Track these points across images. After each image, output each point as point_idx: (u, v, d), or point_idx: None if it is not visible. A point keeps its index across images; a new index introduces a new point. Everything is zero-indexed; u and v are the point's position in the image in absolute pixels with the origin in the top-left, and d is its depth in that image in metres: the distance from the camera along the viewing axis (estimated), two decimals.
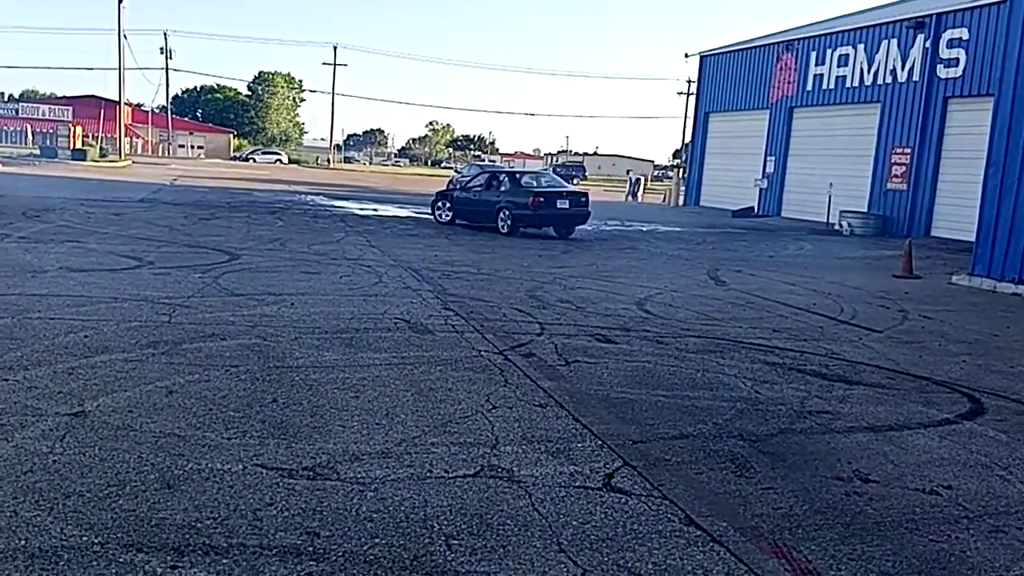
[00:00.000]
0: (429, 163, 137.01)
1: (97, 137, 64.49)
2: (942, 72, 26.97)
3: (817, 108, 33.11)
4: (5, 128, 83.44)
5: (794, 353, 8.34)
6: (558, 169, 70.04)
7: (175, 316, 8.05)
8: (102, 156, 54.79)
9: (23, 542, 3.48)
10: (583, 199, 20.75)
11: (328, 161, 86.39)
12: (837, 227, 27.90)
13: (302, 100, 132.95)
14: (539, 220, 20.28)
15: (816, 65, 32.94)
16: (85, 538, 3.55)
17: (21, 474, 4.15)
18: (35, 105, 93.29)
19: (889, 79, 29.18)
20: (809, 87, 33.31)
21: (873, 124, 29.74)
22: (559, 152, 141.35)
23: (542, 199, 20.09)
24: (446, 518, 3.99)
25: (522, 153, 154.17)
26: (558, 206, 20.22)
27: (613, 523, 4.07)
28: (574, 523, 4.04)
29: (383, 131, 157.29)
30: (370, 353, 7.13)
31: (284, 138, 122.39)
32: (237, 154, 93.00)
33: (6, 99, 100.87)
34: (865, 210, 28.88)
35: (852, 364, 8.02)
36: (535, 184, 21.02)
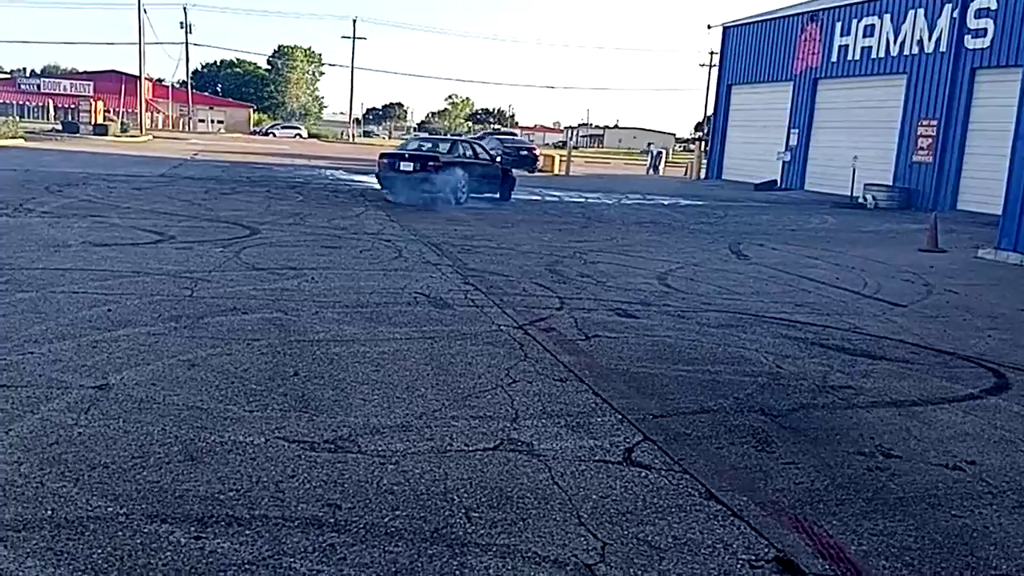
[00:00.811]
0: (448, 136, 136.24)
1: (118, 112, 64.70)
2: (969, 43, 26.54)
3: (842, 80, 32.70)
4: (27, 103, 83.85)
5: (817, 327, 8.29)
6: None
7: (197, 290, 8.09)
8: (123, 131, 54.97)
9: (49, 512, 3.52)
10: (431, 163, 18.98)
11: (348, 135, 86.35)
12: (861, 200, 27.64)
13: (321, 74, 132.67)
14: (384, 183, 19.62)
15: (841, 36, 32.49)
16: (110, 509, 3.59)
17: (47, 446, 4.19)
18: (57, 80, 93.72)
19: (916, 50, 28.76)
20: (834, 58, 32.88)
21: (899, 96, 29.36)
22: (580, 125, 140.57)
23: (385, 160, 19.41)
24: (466, 491, 4.01)
25: (542, 126, 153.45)
26: (400, 168, 18.94)
27: (633, 497, 4.07)
28: (594, 497, 4.04)
29: (402, 105, 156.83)
30: (390, 327, 7.14)
31: (303, 112, 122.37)
32: (257, 128, 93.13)
33: (28, 74, 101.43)
34: (890, 183, 28.58)
35: (875, 339, 7.96)
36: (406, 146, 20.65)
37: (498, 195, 21.64)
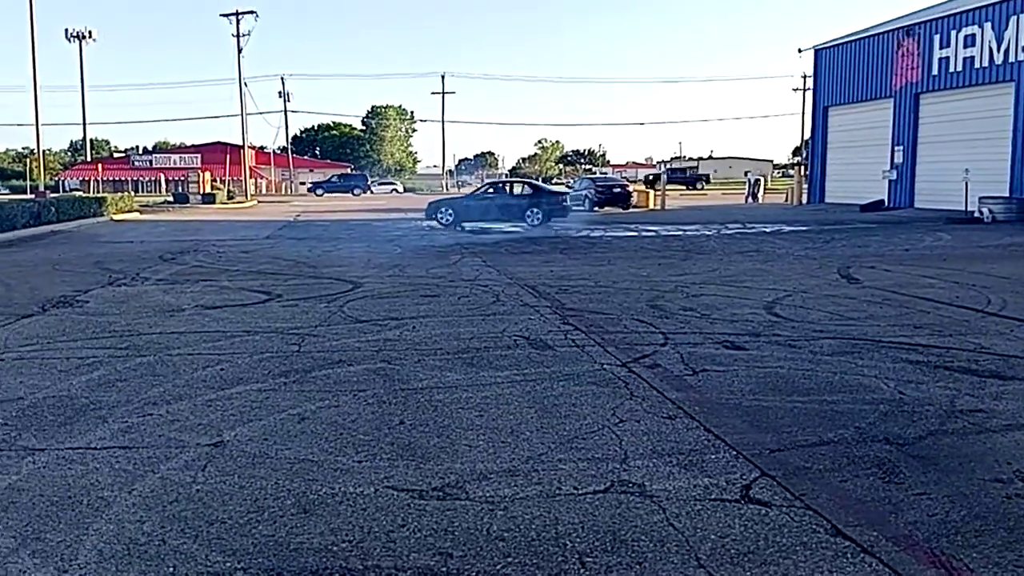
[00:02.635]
0: (540, 180, 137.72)
1: (224, 181, 67.59)
2: None
3: (945, 92, 31.67)
4: (141, 179, 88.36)
5: (939, 350, 7.89)
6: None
7: (304, 345, 8.25)
8: (230, 198, 57.34)
9: (171, 569, 3.58)
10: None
11: (442, 187, 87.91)
12: (977, 214, 26.49)
13: (414, 130, 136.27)
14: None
15: (940, 48, 31.52)
16: (228, 564, 3.63)
17: (167, 503, 4.29)
18: (167, 155, 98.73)
19: (1022, 56, 27.62)
20: (935, 71, 31.89)
21: (1008, 104, 28.22)
22: (672, 158, 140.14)
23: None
24: (578, 535, 3.90)
25: (634, 163, 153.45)
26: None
27: (754, 536, 3.90)
28: (712, 537, 3.88)
29: (493, 153, 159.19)
30: (492, 371, 7.12)
31: (398, 168, 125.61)
32: None
33: (140, 152, 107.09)
34: (1007, 194, 27.35)
35: (1004, 358, 7.52)
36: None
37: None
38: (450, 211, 27.51)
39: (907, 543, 3.83)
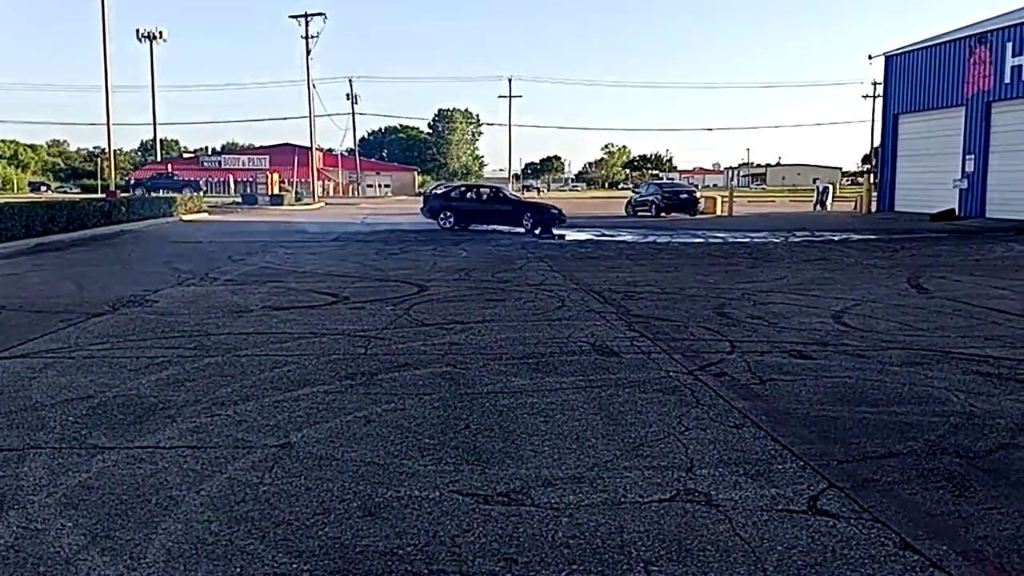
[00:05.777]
0: (606, 185, 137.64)
1: (292, 182, 68.70)
2: None
3: (1018, 101, 30.80)
4: (210, 179, 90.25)
5: (1011, 362, 7.68)
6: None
7: (370, 348, 8.36)
8: (297, 200, 58.35)
9: (238, 570, 3.65)
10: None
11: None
12: None
13: (480, 134, 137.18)
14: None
15: (1014, 56, 30.67)
16: (295, 565, 3.69)
17: (235, 504, 4.38)
18: (236, 156, 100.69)
19: None
20: (1007, 79, 31.02)
21: None
22: (740, 165, 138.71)
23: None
24: (643, 544, 3.90)
25: (701, 168, 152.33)
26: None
27: (821, 548, 3.85)
28: (779, 548, 3.84)
29: (560, 157, 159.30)
30: (557, 377, 7.13)
31: (465, 172, 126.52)
32: (422, 190, 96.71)
33: (209, 153, 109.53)
34: None
35: None
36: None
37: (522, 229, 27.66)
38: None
39: (977, 558, 3.76)
